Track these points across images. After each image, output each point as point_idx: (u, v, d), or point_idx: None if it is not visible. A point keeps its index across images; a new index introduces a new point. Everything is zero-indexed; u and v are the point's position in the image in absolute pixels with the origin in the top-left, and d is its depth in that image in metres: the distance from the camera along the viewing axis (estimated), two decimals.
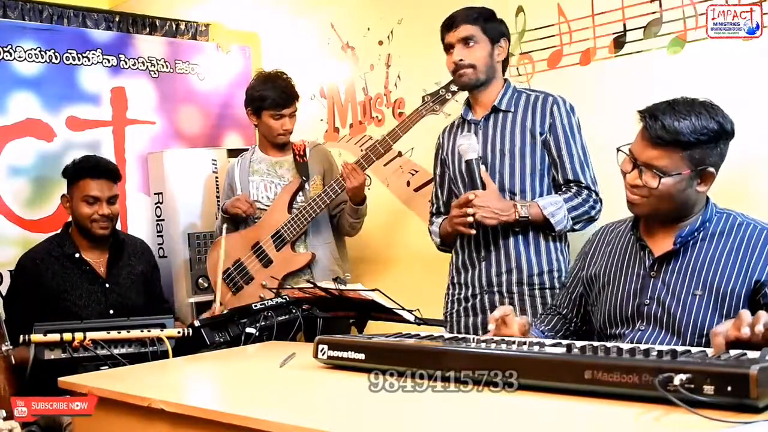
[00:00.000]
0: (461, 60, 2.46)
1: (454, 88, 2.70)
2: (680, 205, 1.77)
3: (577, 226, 2.44)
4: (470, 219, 2.32)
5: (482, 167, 2.38)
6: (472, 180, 2.35)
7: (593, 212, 2.43)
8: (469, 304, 2.53)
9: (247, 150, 3.41)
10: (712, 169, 1.73)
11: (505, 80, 2.56)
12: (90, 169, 2.89)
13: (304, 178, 3.15)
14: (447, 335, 1.78)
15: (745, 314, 1.41)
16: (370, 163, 2.93)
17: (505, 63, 2.57)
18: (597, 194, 2.43)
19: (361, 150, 3.03)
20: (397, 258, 3.50)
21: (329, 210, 3.17)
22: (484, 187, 2.33)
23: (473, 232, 2.35)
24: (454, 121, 2.69)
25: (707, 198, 1.82)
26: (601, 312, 1.91)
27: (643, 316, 1.81)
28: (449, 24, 2.49)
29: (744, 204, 1.89)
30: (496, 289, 2.46)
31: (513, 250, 2.44)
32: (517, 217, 2.35)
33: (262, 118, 3.17)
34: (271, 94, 3.12)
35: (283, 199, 3.15)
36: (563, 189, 2.44)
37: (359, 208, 3.09)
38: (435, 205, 2.72)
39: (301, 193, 3.15)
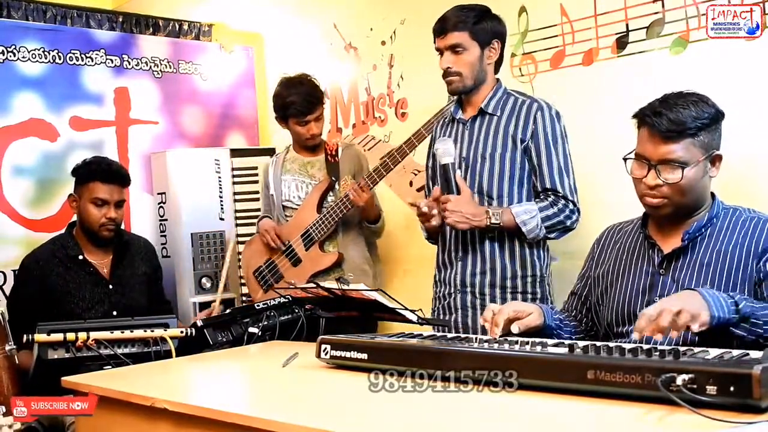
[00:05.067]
0: (449, 68, 2.45)
1: None
2: (698, 195, 1.79)
3: (551, 235, 2.43)
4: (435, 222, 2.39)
5: (458, 172, 2.42)
6: (447, 184, 2.37)
7: (569, 222, 2.41)
8: (446, 302, 2.55)
9: (271, 151, 3.46)
10: (719, 152, 1.78)
11: (497, 80, 2.53)
12: (102, 173, 2.89)
13: (333, 178, 3.15)
14: (449, 335, 1.78)
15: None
16: (388, 170, 2.92)
17: (498, 62, 2.52)
18: (574, 204, 2.42)
19: (380, 160, 3.02)
20: (398, 258, 3.50)
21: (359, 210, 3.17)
22: (458, 192, 2.35)
23: (434, 224, 2.40)
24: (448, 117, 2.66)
25: (713, 195, 1.83)
26: (608, 310, 1.91)
27: None
28: (439, 29, 2.48)
29: (744, 202, 1.89)
30: (469, 289, 2.48)
31: (488, 252, 2.45)
32: (488, 224, 2.36)
33: (288, 124, 3.19)
34: (294, 102, 3.11)
35: (312, 198, 3.16)
36: (541, 197, 2.43)
37: (371, 226, 3.13)
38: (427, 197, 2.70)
39: (331, 193, 3.16)
